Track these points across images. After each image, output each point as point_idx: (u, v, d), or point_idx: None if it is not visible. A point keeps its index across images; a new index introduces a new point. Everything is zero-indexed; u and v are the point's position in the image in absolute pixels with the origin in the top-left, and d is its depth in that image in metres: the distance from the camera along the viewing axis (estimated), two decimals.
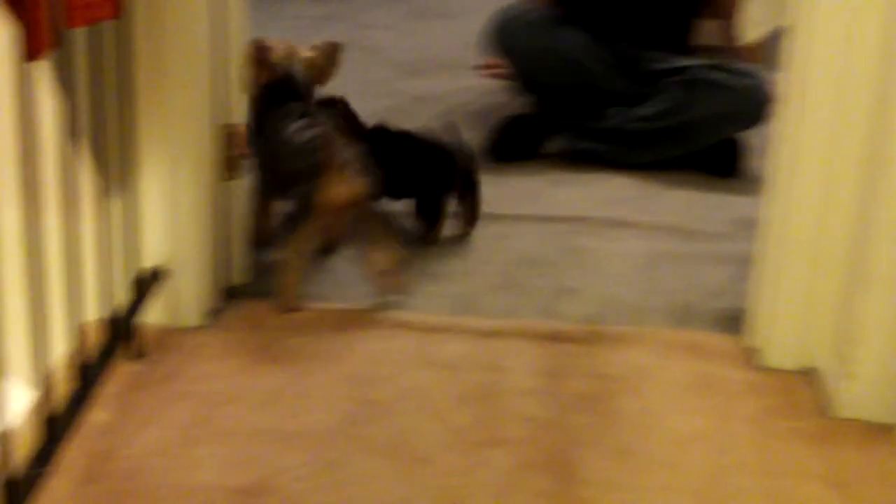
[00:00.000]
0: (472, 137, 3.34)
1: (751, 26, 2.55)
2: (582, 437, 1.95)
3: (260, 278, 2.43)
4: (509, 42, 3.34)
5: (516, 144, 3.24)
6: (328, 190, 2.24)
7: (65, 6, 1.59)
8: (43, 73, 1.84)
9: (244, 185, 2.37)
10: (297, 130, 2.30)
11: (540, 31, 3.29)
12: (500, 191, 3.01)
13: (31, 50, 1.51)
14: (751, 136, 3.26)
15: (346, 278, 2.46)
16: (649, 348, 2.25)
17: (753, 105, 3.16)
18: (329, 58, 2.51)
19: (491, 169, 3.14)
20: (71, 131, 1.69)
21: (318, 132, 2.28)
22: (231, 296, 2.34)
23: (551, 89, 3.30)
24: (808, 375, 2.16)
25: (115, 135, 1.93)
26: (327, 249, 2.54)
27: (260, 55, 2.36)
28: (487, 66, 3.62)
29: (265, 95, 2.38)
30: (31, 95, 1.52)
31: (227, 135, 2.28)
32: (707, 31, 3.84)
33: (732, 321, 2.36)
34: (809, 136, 2.08)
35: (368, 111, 3.55)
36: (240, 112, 2.31)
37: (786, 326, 2.18)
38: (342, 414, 1.98)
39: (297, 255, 2.30)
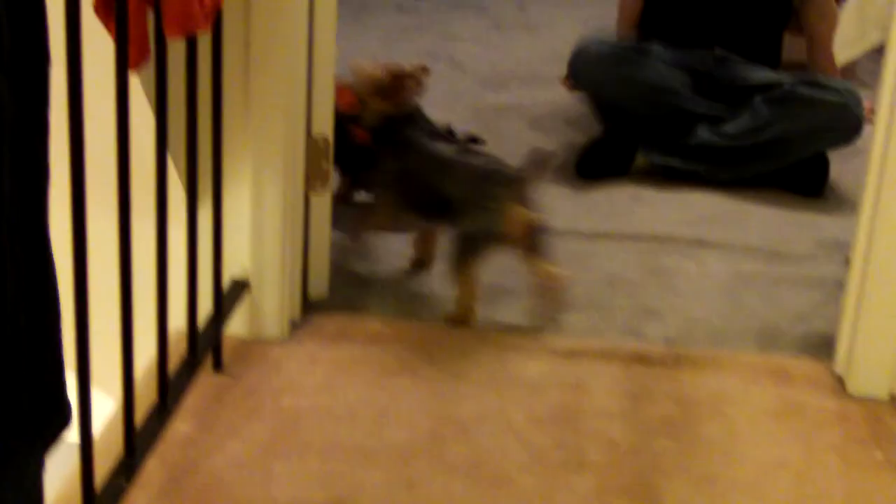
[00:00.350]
0: (555, 149, 3.34)
1: (845, 45, 2.50)
2: (664, 463, 1.92)
3: (336, 292, 2.43)
4: (587, 77, 3.31)
5: (603, 162, 3.22)
6: (513, 218, 2.26)
7: (162, 18, 1.60)
8: (138, 84, 1.86)
9: (327, 198, 2.36)
10: (463, 158, 2.35)
11: (617, 63, 3.25)
12: (584, 208, 2.99)
13: (129, 60, 1.52)
14: (840, 156, 3.21)
15: (430, 294, 2.45)
16: (734, 373, 2.21)
17: (845, 122, 3.12)
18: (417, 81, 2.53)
19: (577, 185, 3.13)
20: (164, 144, 1.70)
21: (493, 161, 2.34)
22: (310, 309, 2.34)
23: (635, 118, 3.26)
24: None
25: (204, 146, 1.94)
26: (421, 264, 2.56)
27: (397, 82, 2.45)
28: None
29: (395, 122, 2.45)
30: (128, 103, 1.53)
31: (314, 147, 2.28)
32: (792, 47, 3.80)
33: (819, 346, 2.32)
34: None
35: (454, 122, 3.57)
36: (325, 125, 2.30)
37: (874, 353, 2.14)
38: (422, 432, 1.97)
39: (471, 277, 2.32)
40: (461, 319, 2.34)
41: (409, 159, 2.40)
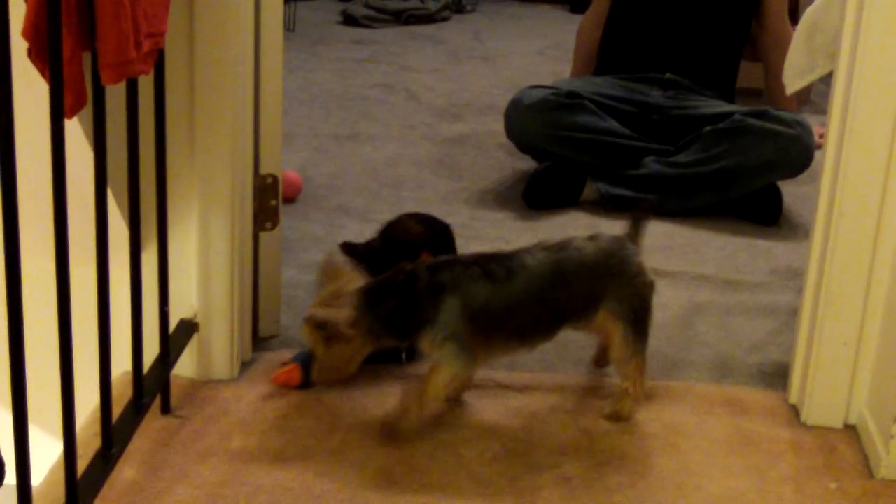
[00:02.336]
0: (512, 181, 3.34)
1: (794, 75, 2.51)
2: (618, 499, 1.90)
3: (288, 329, 2.40)
4: (519, 127, 3.29)
5: (552, 192, 3.21)
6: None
7: (100, 64, 1.58)
8: (77, 125, 1.84)
9: (276, 235, 2.34)
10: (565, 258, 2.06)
11: (548, 110, 3.23)
12: (535, 238, 2.96)
13: (65, 108, 1.50)
14: (794, 181, 3.22)
15: None
16: (688, 404, 2.20)
17: (795, 155, 3.14)
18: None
19: (526, 216, 3.12)
20: (104, 183, 1.68)
21: (591, 243, 2.09)
22: (261, 346, 2.32)
23: (579, 162, 3.24)
24: (851, 434, 2.11)
25: (147, 186, 1.91)
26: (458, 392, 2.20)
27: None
28: None
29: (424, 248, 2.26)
30: (64, 149, 1.51)
31: (262, 185, 2.26)
32: (749, 74, 3.83)
33: (774, 376, 2.31)
34: (851, 186, 2.04)
35: (411, 155, 3.57)
36: (274, 163, 2.28)
37: (829, 382, 2.13)
38: (373, 472, 1.94)
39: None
40: (413, 420, 2.04)
41: (487, 291, 1.98)
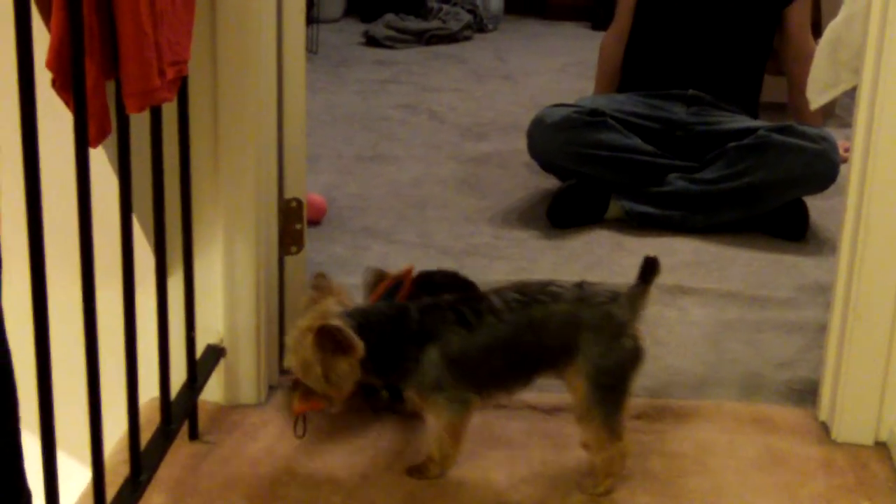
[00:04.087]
0: (536, 200, 3.34)
1: (817, 90, 2.49)
2: None
3: None
4: (542, 146, 3.27)
5: (576, 210, 3.20)
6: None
7: (124, 93, 1.58)
8: (102, 154, 1.85)
9: (302, 258, 2.34)
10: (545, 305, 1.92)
11: (570, 129, 3.21)
12: (561, 257, 2.98)
13: (89, 137, 1.50)
14: (821, 195, 3.21)
15: None
16: (717, 423, 2.19)
17: (820, 170, 3.12)
18: None
19: (551, 235, 3.11)
20: (129, 209, 1.68)
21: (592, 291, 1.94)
22: (286, 372, 2.31)
23: (602, 180, 3.23)
24: (883, 451, 2.09)
25: (172, 213, 1.92)
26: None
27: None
28: None
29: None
30: (88, 177, 1.52)
31: (287, 209, 2.26)
32: (774, 88, 3.81)
33: (803, 393, 2.30)
34: (878, 200, 2.03)
35: (435, 175, 3.57)
36: (298, 187, 2.28)
37: (858, 398, 2.11)
38: (401, 497, 1.93)
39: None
40: (435, 471, 1.99)
41: (460, 338, 1.90)
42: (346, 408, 2.04)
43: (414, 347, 1.88)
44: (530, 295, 1.91)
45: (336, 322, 1.83)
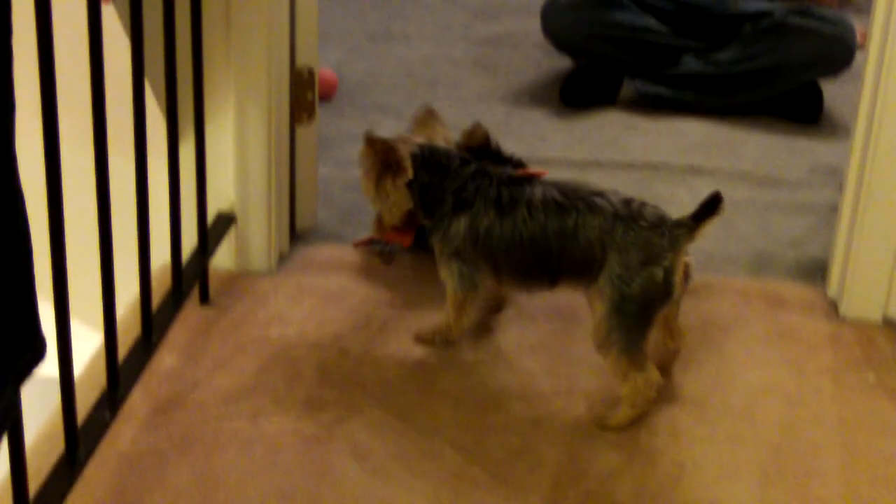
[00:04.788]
0: (549, 80, 3.31)
1: None
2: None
3: (324, 223, 2.41)
4: (558, 25, 3.23)
5: (589, 90, 3.18)
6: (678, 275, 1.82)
7: None
8: (113, 16, 1.83)
9: (313, 129, 2.33)
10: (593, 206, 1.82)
11: (587, 7, 3.17)
12: (573, 137, 2.97)
13: None
14: (836, 80, 3.18)
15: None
16: (726, 298, 2.19)
17: (836, 53, 3.08)
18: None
19: (563, 115, 3.10)
20: (141, 75, 1.67)
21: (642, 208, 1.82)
22: (297, 240, 2.32)
23: (616, 60, 3.20)
24: (890, 327, 2.10)
25: (184, 78, 1.91)
26: (497, 308, 2.14)
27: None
28: None
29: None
30: (101, 39, 1.50)
31: (298, 79, 2.24)
32: None
33: (812, 271, 2.30)
34: (893, 83, 2.01)
35: (446, 55, 3.54)
36: (310, 56, 2.26)
37: (867, 275, 2.12)
38: (411, 361, 1.95)
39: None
40: (439, 340, 2.01)
41: (488, 219, 1.87)
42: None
43: (452, 205, 1.88)
44: (572, 199, 1.82)
45: (392, 143, 1.88)
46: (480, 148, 2.04)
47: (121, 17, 1.81)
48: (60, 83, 1.38)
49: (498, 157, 2.08)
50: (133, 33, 1.65)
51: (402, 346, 1.99)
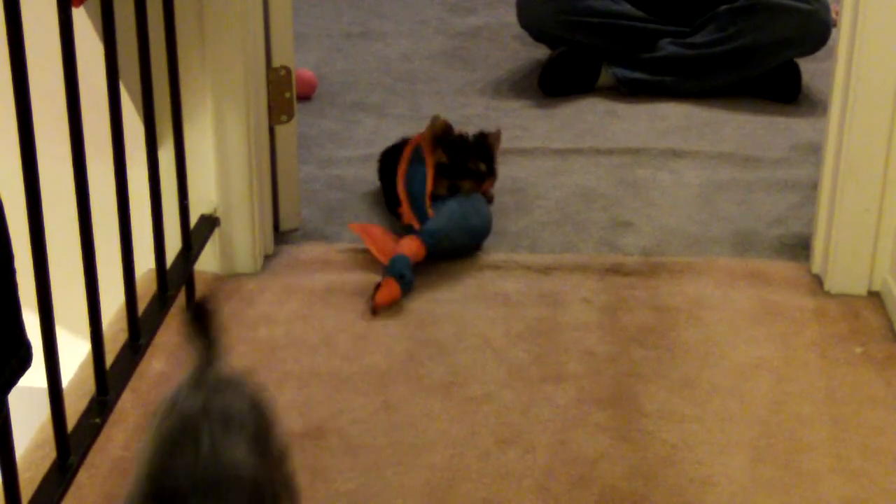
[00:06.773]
0: (527, 70, 3.31)
1: None
2: (643, 371, 1.92)
3: (308, 222, 2.41)
4: (532, 15, 3.23)
5: (567, 78, 3.18)
6: None
7: None
8: (86, 19, 1.83)
9: (293, 127, 2.33)
10: None
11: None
12: (553, 125, 2.97)
13: None
14: (813, 57, 3.19)
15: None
16: (711, 278, 2.20)
17: (812, 31, 3.09)
18: None
19: (543, 104, 3.10)
20: (116, 77, 1.67)
21: None
22: (282, 240, 2.32)
23: (593, 47, 3.21)
24: (876, 300, 2.11)
25: (160, 81, 1.91)
26: None
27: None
28: None
29: None
30: (73, 42, 1.50)
31: (275, 78, 2.25)
32: None
33: (796, 248, 2.31)
34: (868, 59, 2.02)
35: (424, 50, 3.54)
36: (286, 55, 2.27)
37: (851, 251, 2.13)
38: (400, 355, 1.96)
39: None
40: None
41: None
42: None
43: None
44: None
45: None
46: (444, 136, 2.38)
47: (93, 20, 1.81)
48: (34, 90, 1.38)
49: (462, 142, 2.41)
50: (106, 36, 1.65)
51: (390, 341, 2.00)
